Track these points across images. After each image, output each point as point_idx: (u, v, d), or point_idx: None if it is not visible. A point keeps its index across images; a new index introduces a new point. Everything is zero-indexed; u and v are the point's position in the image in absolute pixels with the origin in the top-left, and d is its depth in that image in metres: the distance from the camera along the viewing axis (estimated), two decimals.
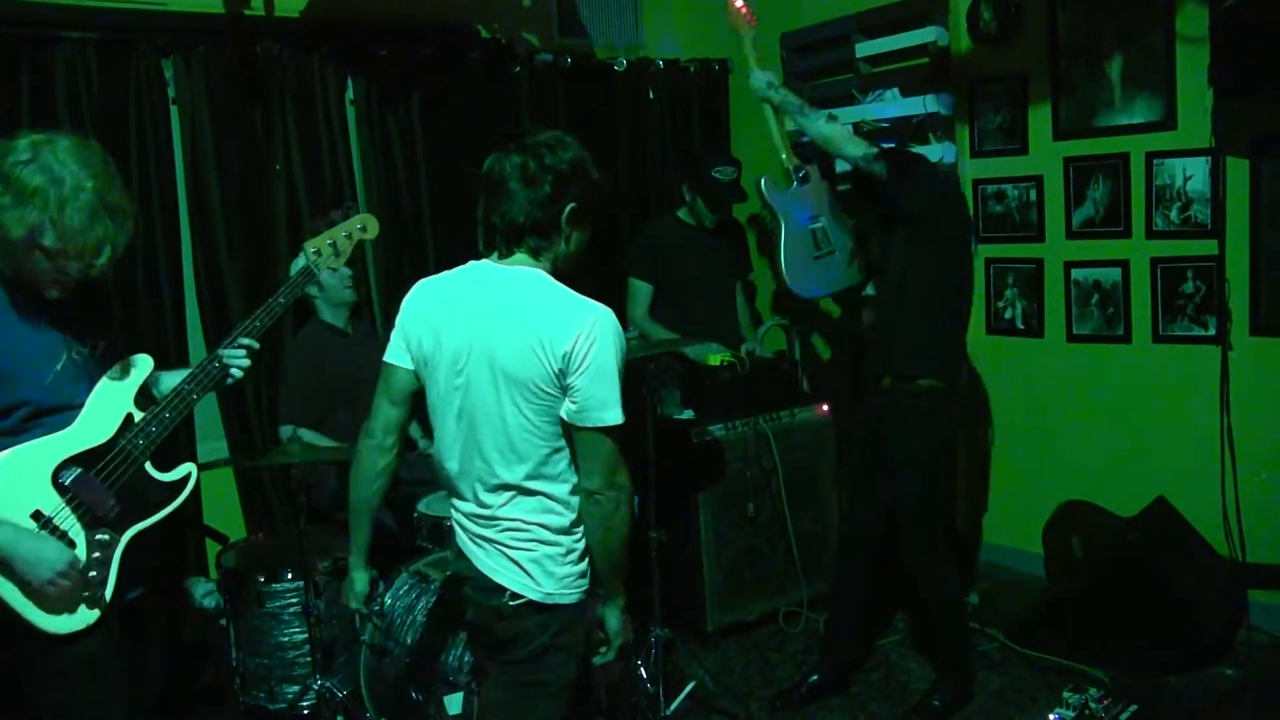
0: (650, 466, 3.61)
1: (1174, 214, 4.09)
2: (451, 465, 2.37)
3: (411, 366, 2.39)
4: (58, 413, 2.29)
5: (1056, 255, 4.48)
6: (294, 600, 3.48)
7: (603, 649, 2.45)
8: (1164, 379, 4.19)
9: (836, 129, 3.69)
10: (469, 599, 2.41)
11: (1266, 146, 3.82)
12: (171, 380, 2.53)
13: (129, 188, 3.96)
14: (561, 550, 2.32)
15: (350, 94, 4.60)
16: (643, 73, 5.39)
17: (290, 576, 3.49)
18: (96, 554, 2.30)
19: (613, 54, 5.35)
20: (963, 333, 3.64)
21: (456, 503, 2.42)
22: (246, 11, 4.27)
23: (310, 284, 2.95)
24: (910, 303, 3.52)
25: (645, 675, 3.57)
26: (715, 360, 4.35)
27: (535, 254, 2.31)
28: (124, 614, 2.39)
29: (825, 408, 4.52)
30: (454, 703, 3.07)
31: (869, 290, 4.30)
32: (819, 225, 4.03)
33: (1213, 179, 3.96)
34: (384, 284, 4.67)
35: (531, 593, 2.30)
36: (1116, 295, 4.30)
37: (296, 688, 3.50)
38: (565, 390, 2.22)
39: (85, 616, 2.28)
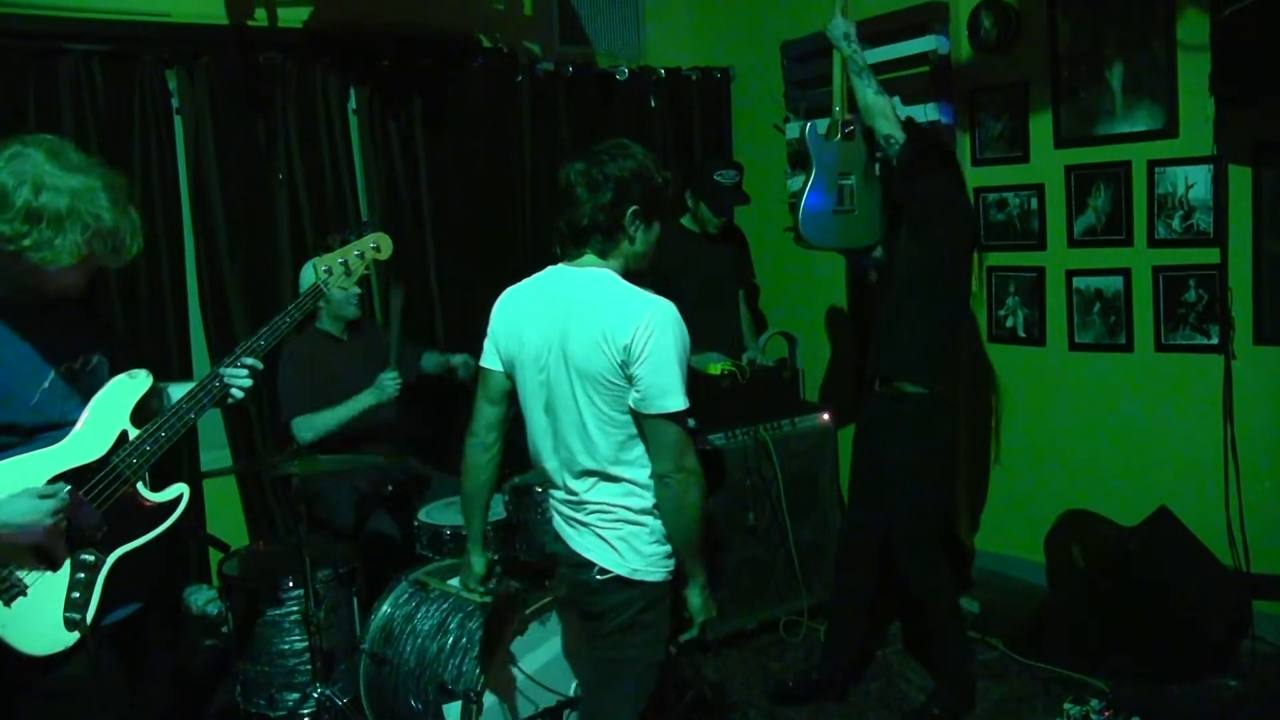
0: None
1: (1176, 222, 4.08)
2: (544, 455, 2.58)
3: (501, 368, 2.62)
4: (50, 430, 2.23)
5: (1058, 264, 4.47)
6: (294, 608, 3.49)
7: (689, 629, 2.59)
8: (1166, 388, 4.18)
9: (880, 101, 3.71)
10: (564, 577, 2.64)
11: (1268, 155, 3.82)
12: (174, 393, 2.46)
13: (134, 197, 4.05)
14: (647, 530, 2.49)
15: (353, 103, 4.62)
16: (644, 81, 5.40)
17: (291, 585, 3.49)
18: (81, 575, 2.21)
19: (615, 62, 5.36)
20: (953, 341, 3.64)
21: (552, 491, 2.63)
22: (249, 22, 4.30)
23: (318, 302, 2.92)
24: (905, 306, 3.54)
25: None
26: (715, 369, 4.36)
27: (603, 254, 2.51)
28: (119, 631, 2.34)
29: (826, 416, 4.53)
30: (452, 711, 3.07)
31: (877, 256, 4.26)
32: (848, 182, 3.98)
33: (1215, 187, 3.95)
34: (384, 291, 4.69)
35: (618, 567, 2.47)
36: (1118, 304, 4.29)
37: (297, 695, 3.51)
38: (630, 380, 2.38)
39: (64, 639, 2.18)
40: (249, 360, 2.47)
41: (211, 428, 4.37)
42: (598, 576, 2.48)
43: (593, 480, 2.49)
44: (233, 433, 4.41)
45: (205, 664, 3.93)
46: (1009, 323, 4.69)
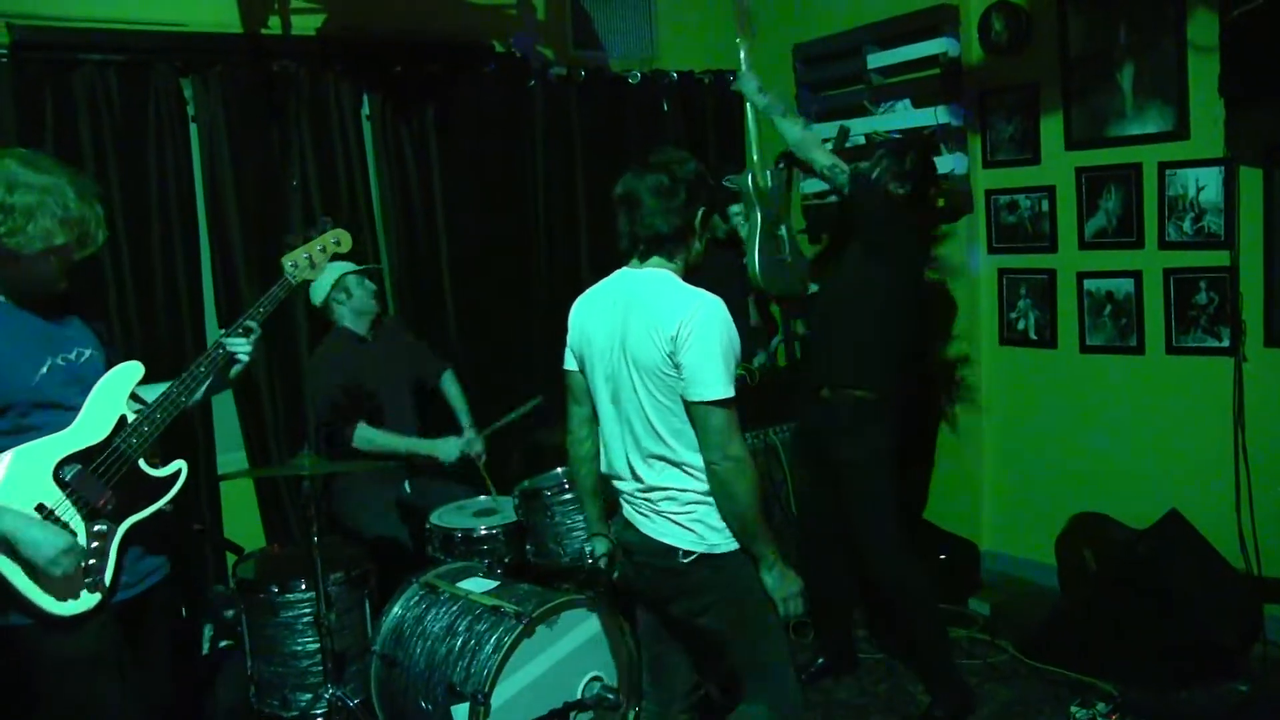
0: None
1: (1187, 224, 4.07)
2: (613, 448, 2.72)
3: (577, 368, 2.80)
4: (50, 409, 2.47)
5: (1069, 266, 4.47)
6: (307, 610, 3.53)
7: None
8: (1177, 391, 4.17)
9: (808, 135, 3.86)
10: (640, 565, 2.72)
11: None
12: (156, 392, 2.66)
13: (149, 204, 4.12)
14: (715, 507, 2.59)
15: (366, 109, 4.66)
16: (657, 85, 5.42)
17: (304, 587, 3.54)
18: (95, 543, 2.47)
19: (628, 66, 5.38)
20: (899, 351, 3.68)
21: (620, 483, 2.73)
22: (263, 31, 4.34)
23: (290, 292, 3.06)
24: (855, 314, 3.62)
25: None
26: None
27: (670, 256, 2.65)
28: (123, 611, 2.55)
29: None
30: (460, 713, 3.10)
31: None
32: (781, 232, 4.09)
33: (1226, 189, 3.94)
34: (398, 294, 4.74)
35: (698, 546, 2.59)
36: (1129, 306, 4.28)
37: (309, 695, 3.56)
38: (677, 369, 2.51)
39: (87, 600, 2.44)
40: (250, 322, 2.76)
41: (228, 430, 4.43)
42: (683, 560, 2.60)
43: (659, 465, 2.61)
44: (249, 435, 4.46)
45: (216, 664, 3.97)
46: (1020, 325, 4.69)
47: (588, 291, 2.82)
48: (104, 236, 2.51)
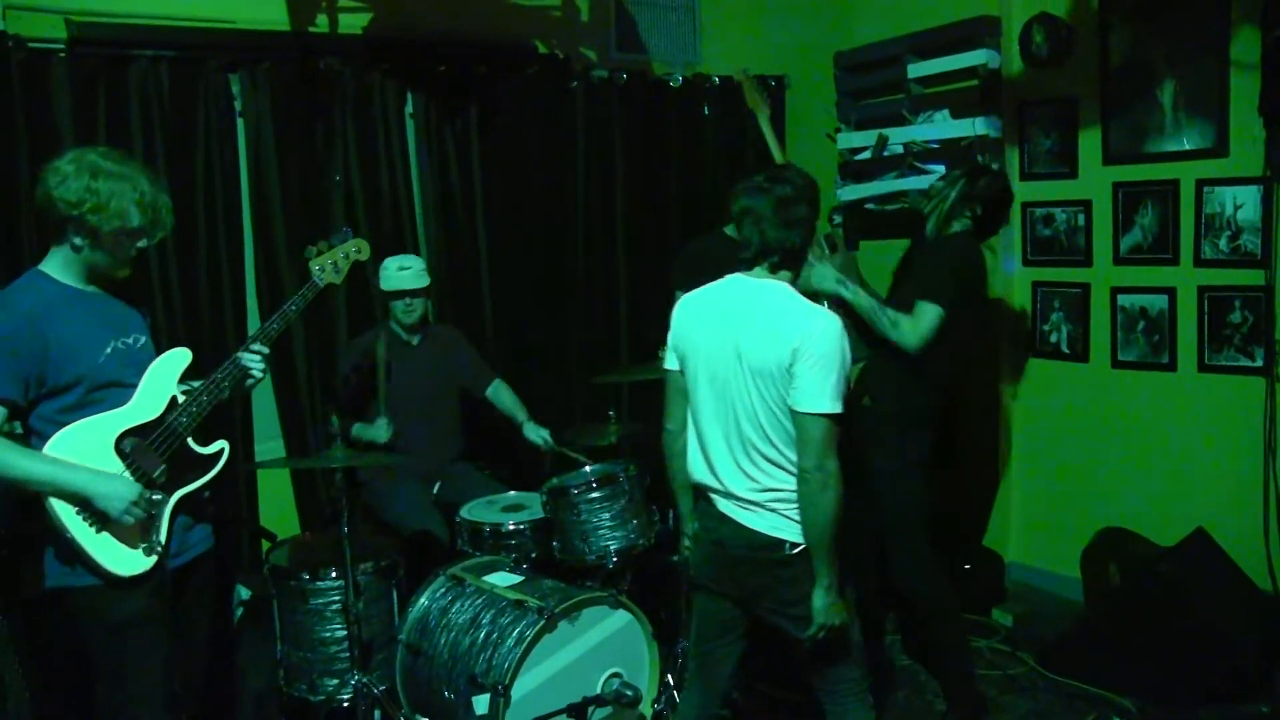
0: None
1: (1223, 243, 4.05)
2: (715, 447, 2.81)
3: (679, 367, 2.92)
4: (112, 387, 2.73)
5: (1103, 280, 4.47)
6: (336, 598, 3.60)
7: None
8: (1208, 409, 4.16)
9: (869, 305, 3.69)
10: (739, 559, 2.82)
11: None
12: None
13: (196, 195, 4.22)
14: None
15: (409, 108, 4.72)
16: (698, 89, 5.44)
17: (334, 575, 3.62)
18: (152, 509, 2.72)
19: (669, 70, 5.41)
20: (942, 366, 3.64)
21: (720, 480, 2.82)
22: (311, 28, 4.42)
23: (313, 294, 3.26)
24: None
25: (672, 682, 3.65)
26: None
27: (783, 267, 2.79)
28: (173, 578, 2.81)
29: None
30: (481, 703, 3.17)
31: None
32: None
33: (1264, 208, 3.92)
34: (439, 291, 4.80)
35: (804, 539, 2.72)
36: (1162, 323, 4.27)
37: (335, 681, 3.63)
38: (791, 378, 2.64)
39: (144, 562, 2.70)
40: (259, 346, 2.99)
41: (267, 418, 4.52)
42: (790, 551, 2.73)
43: (770, 468, 2.73)
44: (286, 424, 4.55)
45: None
46: (1053, 338, 4.69)
47: (694, 293, 2.94)
48: (170, 224, 2.78)
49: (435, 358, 4.41)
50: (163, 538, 2.76)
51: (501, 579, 3.52)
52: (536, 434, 4.31)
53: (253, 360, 2.97)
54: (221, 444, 2.92)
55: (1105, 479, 4.52)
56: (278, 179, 4.39)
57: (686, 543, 3.08)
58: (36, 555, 2.73)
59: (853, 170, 5.18)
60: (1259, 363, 3.99)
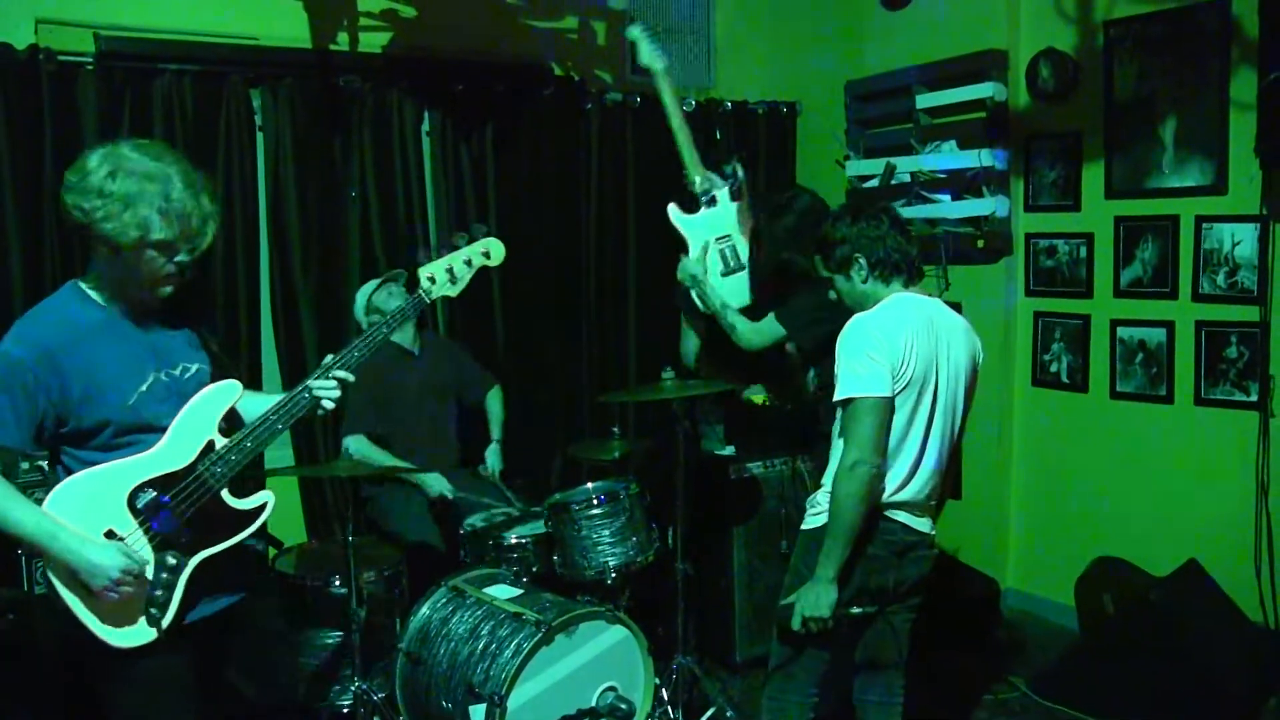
0: (679, 499, 3.75)
1: (1220, 279, 4.11)
2: (930, 465, 2.86)
3: (901, 389, 2.75)
4: (144, 431, 2.31)
5: (1103, 312, 4.52)
6: (338, 606, 3.67)
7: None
8: (1204, 442, 4.21)
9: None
10: (920, 558, 2.94)
11: None
12: (255, 404, 2.50)
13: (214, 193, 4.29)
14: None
15: (426, 126, 4.83)
16: (711, 113, 5.53)
17: (337, 583, 3.69)
18: (164, 574, 2.31)
19: (683, 94, 5.49)
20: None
21: (920, 495, 2.87)
22: (332, 46, 4.53)
23: (418, 312, 2.94)
24: None
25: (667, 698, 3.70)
26: (759, 399, 4.47)
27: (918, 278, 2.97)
28: (204, 626, 2.43)
29: None
30: (478, 713, 3.22)
31: None
32: (728, 244, 4.10)
33: (1261, 246, 3.97)
34: (448, 307, 4.88)
35: None
36: (1160, 356, 4.32)
37: (337, 687, 3.71)
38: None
39: (144, 634, 2.29)
40: (340, 373, 2.49)
41: None
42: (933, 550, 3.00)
43: (940, 476, 2.93)
44: (296, 434, 4.62)
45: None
46: (1053, 368, 4.74)
47: (894, 316, 2.80)
48: (211, 236, 2.31)
49: (437, 365, 4.48)
50: (171, 610, 2.31)
51: (501, 591, 3.57)
52: (491, 459, 4.44)
53: (326, 389, 2.46)
54: (265, 496, 2.44)
55: (1102, 508, 4.56)
56: (295, 193, 4.49)
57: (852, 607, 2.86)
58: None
59: (860, 197, 5.25)
60: (1254, 397, 4.03)
